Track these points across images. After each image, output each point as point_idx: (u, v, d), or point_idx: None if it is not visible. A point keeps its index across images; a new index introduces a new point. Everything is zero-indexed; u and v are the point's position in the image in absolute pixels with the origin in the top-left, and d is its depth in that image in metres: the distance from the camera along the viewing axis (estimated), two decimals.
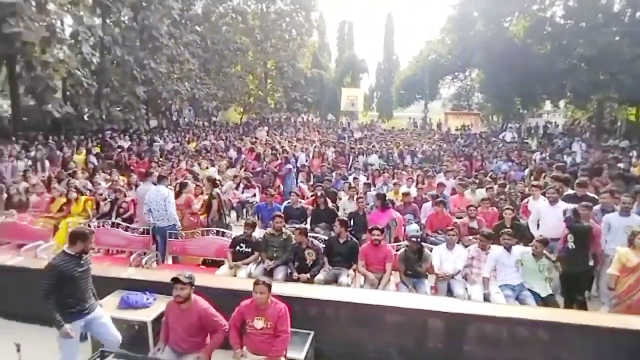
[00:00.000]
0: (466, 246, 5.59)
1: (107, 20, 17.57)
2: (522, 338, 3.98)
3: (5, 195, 8.43)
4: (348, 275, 5.27)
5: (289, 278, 5.27)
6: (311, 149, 13.94)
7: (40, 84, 14.35)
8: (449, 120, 30.96)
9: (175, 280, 3.37)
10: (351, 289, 4.94)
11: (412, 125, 31.04)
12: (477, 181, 9.50)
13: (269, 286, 3.53)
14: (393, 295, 4.62)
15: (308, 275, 5.16)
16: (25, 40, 11.52)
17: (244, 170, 11.24)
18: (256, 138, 19.18)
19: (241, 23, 28.64)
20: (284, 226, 5.80)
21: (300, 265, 5.33)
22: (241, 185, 9.78)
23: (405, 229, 6.68)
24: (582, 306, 5.01)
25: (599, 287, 5.45)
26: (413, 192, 8.33)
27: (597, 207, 5.85)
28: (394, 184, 8.75)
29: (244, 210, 9.43)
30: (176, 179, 9.32)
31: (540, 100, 26.64)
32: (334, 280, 5.21)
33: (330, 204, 7.44)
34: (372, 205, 7.25)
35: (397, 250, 5.51)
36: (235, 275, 5.38)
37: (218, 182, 9.11)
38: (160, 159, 13.35)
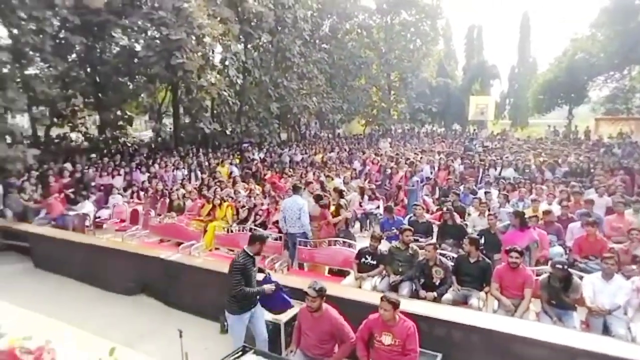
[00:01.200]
0: (628, 277, 4.77)
1: (249, 46, 19.73)
2: None
3: (167, 200, 10.03)
4: (479, 298, 4.94)
5: (414, 295, 5.16)
6: (436, 161, 13.48)
7: (195, 105, 16.80)
8: (600, 126, 26.68)
9: (306, 292, 3.58)
10: (484, 313, 4.61)
11: (552, 134, 27.63)
12: None
13: (394, 304, 3.49)
14: (535, 325, 4.15)
15: (435, 294, 4.98)
16: (187, 69, 13.63)
17: (368, 182, 11.42)
18: (379, 149, 19.32)
19: (366, 37, 29.31)
20: (411, 241, 5.71)
21: (426, 283, 5.18)
22: (366, 197, 9.94)
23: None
24: None
25: None
26: (556, 210, 7.44)
27: None
28: (532, 201, 7.90)
29: (368, 221, 9.56)
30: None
31: None
32: (463, 302, 4.94)
33: (458, 220, 7.09)
34: (508, 224, 6.67)
35: (537, 275, 4.97)
36: (360, 287, 5.48)
37: (344, 193, 9.43)
38: (290, 170, 14.35)
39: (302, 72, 22.27)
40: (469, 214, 7.85)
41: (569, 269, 4.70)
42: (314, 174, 13.06)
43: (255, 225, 7.94)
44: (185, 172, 13.72)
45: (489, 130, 30.27)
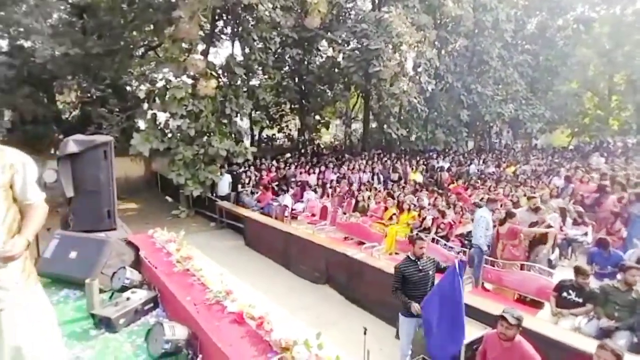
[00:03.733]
0: None
1: (443, 51, 19.34)
2: None
3: (353, 200, 10.71)
4: None
5: (634, 348, 4.20)
6: None
7: (384, 111, 17.44)
8: None
9: (503, 318, 3.29)
10: None
11: None
12: None
13: (619, 357, 2.90)
14: None
15: None
16: (381, 77, 14.29)
17: (574, 203, 9.77)
18: (590, 165, 16.31)
19: (584, 33, 25.07)
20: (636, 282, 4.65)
21: None
22: (569, 220, 8.55)
23: None
24: None
25: None
26: None
27: None
28: None
29: (570, 249, 8.20)
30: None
31: None
32: None
33: None
34: None
35: None
36: (556, 324, 4.76)
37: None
38: (478, 182, 13.46)
39: (499, 76, 20.58)
40: None
41: None
42: (503, 188, 11.94)
43: (438, 237, 7.75)
44: (370, 175, 14.38)
45: None
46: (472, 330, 4.19)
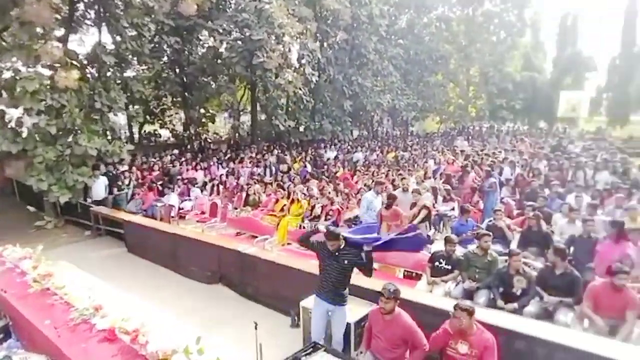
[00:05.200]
0: None
1: (325, 44, 19.96)
2: None
3: (244, 195, 10.53)
4: (567, 313, 4.52)
5: (491, 304, 4.87)
6: (518, 162, 12.57)
7: (271, 103, 17.40)
8: None
9: (381, 293, 3.53)
10: (573, 331, 4.21)
11: None
12: None
13: (469, 312, 3.33)
14: (638, 350, 3.69)
15: (515, 305, 4.66)
16: (266, 67, 14.19)
17: (443, 182, 10.98)
18: (455, 148, 18.50)
19: (445, 31, 28.16)
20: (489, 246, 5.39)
21: (505, 292, 4.85)
22: (440, 198, 9.59)
23: None
24: None
25: None
26: None
27: None
28: (627, 209, 7.05)
29: (441, 223, 9.21)
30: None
31: None
32: (548, 316, 4.55)
33: (544, 227, 6.55)
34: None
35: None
36: (431, 292, 5.30)
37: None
38: (362, 168, 14.30)
39: (376, 68, 22.02)
40: (554, 222, 7.21)
41: None
42: (386, 173, 12.88)
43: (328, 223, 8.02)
44: (261, 168, 14.28)
45: (580, 128, 27.59)
46: (360, 309, 4.44)
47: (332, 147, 19.22)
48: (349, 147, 19.28)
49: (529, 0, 28.80)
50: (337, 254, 4.01)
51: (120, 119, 17.96)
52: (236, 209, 9.86)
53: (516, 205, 9.04)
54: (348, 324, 4.29)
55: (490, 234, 5.46)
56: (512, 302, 4.70)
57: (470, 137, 24.24)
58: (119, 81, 12.44)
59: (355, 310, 4.40)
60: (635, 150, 15.39)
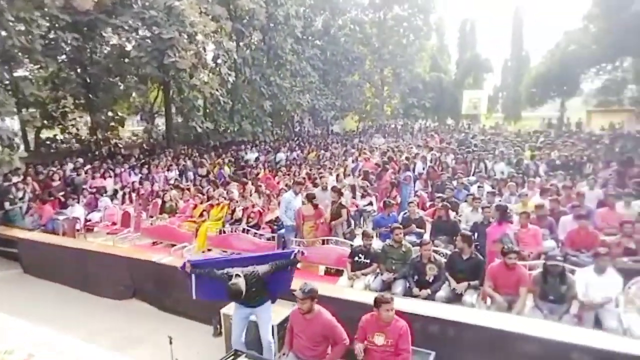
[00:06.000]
0: (620, 270, 4.76)
1: (241, 44, 19.60)
2: None
3: (160, 201, 9.94)
4: (472, 294, 4.92)
5: (407, 293, 5.14)
6: (429, 156, 13.46)
7: (187, 104, 16.67)
8: (592, 118, 26.89)
9: (296, 294, 3.54)
10: (478, 310, 4.60)
11: (546, 127, 27.73)
12: (633, 192, 8.09)
13: (388, 301, 3.47)
14: (528, 322, 4.14)
15: (429, 291, 4.97)
16: (179, 67, 13.53)
17: (361, 179, 11.36)
18: (372, 145, 19.29)
19: (359, 33, 29.24)
20: (402, 238, 5.68)
21: (420, 280, 5.15)
22: (358, 194, 9.89)
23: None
24: None
25: None
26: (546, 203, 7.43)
27: None
28: (521, 195, 7.91)
29: (362, 218, 9.53)
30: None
31: None
32: (457, 299, 4.92)
33: (452, 216, 7.07)
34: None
35: (530, 270, 4.96)
36: (352, 286, 5.45)
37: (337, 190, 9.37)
38: (284, 169, 14.29)
39: (294, 69, 22.18)
40: (460, 210, 7.83)
41: (563, 264, 4.70)
42: (307, 172, 13.00)
43: (249, 226, 7.87)
44: (173, 172, 13.59)
45: (481, 124, 30.36)
46: (282, 310, 4.41)
47: (253, 148, 18.96)
48: (270, 148, 19.16)
49: (433, 5, 30.98)
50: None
51: (13, 123, 16.01)
52: (151, 217, 9.28)
53: (428, 197, 9.67)
54: (272, 327, 4.25)
55: (401, 226, 5.74)
56: (426, 289, 5.01)
57: (386, 135, 25.44)
58: (6, 82, 11.06)
59: (277, 312, 4.36)
60: (527, 142, 17.29)
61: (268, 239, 7.11)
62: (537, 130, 25.62)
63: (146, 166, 13.77)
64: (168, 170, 13.50)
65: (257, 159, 16.42)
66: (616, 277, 4.59)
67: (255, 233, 7.42)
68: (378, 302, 3.47)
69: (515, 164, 12.09)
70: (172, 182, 12.48)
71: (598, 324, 4.37)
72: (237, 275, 3.57)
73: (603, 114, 27.14)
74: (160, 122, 23.33)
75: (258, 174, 13.78)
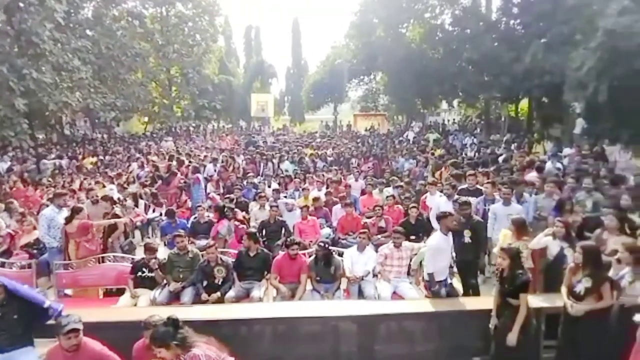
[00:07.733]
0: (376, 246, 5.79)
1: None
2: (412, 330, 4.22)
3: None
4: (260, 288, 5.14)
5: (197, 300, 4.98)
6: (220, 158, 13.51)
7: None
8: (357, 121, 32.15)
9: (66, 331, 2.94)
10: (263, 304, 4.83)
11: (323, 128, 31.77)
12: (384, 180, 10.01)
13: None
14: (305, 305, 4.60)
15: (219, 294, 4.93)
16: None
17: (149, 185, 10.47)
18: (161, 149, 18.13)
19: (139, 27, 26.85)
20: (189, 243, 5.48)
21: (209, 284, 5.06)
22: (142, 202, 9.07)
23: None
24: (476, 289, 5.32)
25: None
26: (322, 195, 8.46)
27: (481, 198, 6.50)
28: (304, 189, 8.81)
29: (150, 228, 8.81)
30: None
31: (437, 100, 28.76)
32: (246, 296, 5.05)
33: (240, 216, 7.24)
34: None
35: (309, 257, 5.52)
36: (136, 305, 4.95)
37: (118, 200, 8.43)
38: (50, 180, 11.99)
39: (57, 61, 18.65)
40: (250, 209, 8.12)
41: (331, 247, 5.40)
42: (81, 181, 11.23)
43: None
44: None
45: (271, 126, 32.42)
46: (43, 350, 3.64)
47: (4, 156, 15.18)
48: (29, 155, 15.71)
49: (218, 9, 31.13)
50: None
51: None
52: None
53: (221, 199, 9.66)
54: None
55: (181, 234, 5.48)
56: (216, 292, 4.95)
57: (177, 137, 24.33)
58: None
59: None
60: (308, 142, 19.27)
61: (23, 267, 5.77)
62: (316, 131, 28.99)
63: None
64: None
65: (9, 169, 13.24)
66: (373, 253, 5.55)
67: (4, 263, 5.91)
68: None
69: (298, 161, 13.33)
70: None
71: (362, 294, 5.20)
72: None
73: (365, 117, 32.79)
74: None
75: (12, 187, 11.12)
